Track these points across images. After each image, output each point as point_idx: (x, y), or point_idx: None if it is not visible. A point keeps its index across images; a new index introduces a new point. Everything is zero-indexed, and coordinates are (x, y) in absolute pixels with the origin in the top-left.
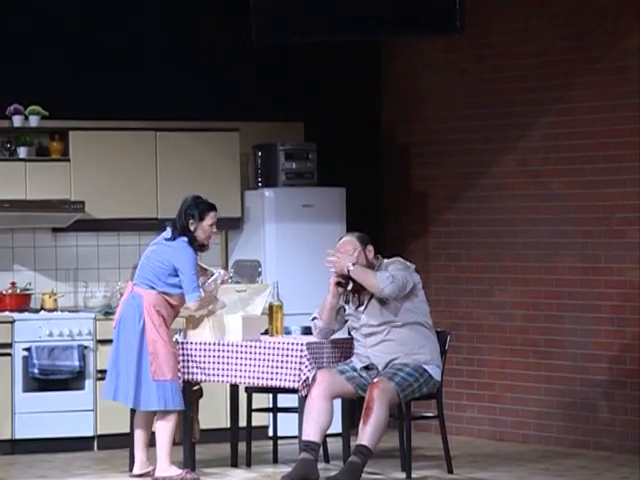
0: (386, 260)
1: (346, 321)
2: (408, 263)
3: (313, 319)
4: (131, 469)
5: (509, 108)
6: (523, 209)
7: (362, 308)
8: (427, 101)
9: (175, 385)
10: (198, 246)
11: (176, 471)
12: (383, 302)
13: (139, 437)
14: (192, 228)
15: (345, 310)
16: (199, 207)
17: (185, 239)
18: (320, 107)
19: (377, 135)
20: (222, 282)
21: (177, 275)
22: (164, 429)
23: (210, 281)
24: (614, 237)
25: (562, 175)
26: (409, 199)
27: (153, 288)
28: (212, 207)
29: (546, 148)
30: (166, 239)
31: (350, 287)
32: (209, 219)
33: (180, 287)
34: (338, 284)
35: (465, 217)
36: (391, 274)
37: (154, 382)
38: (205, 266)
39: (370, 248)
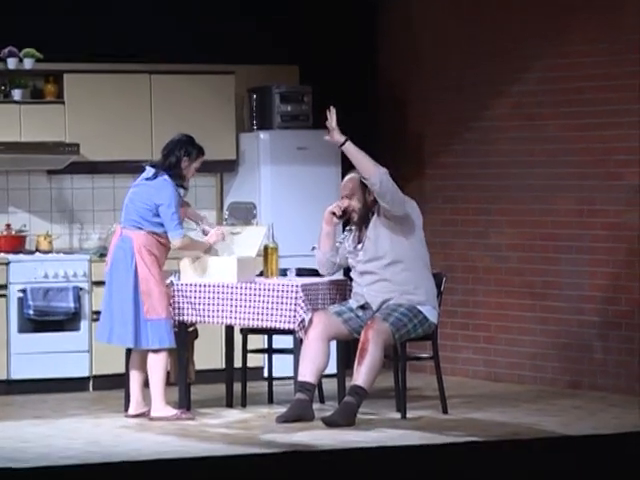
0: None
1: (347, 259)
2: (408, 198)
3: (313, 249)
4: (126, 409)
5: (505, 50)
6: (519, 152)
7: (360, 245)
8: (423, 44)
9: (168, 323)
10: (180, 185)
11: (171, 411)
12: (376, 238)
13: (135, 377)
14: (184, 165)
15: (345, 248)
16: (196, 147)
17: (167, 177)
18: (315, 49)
19: (373, 77)
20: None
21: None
22: (156, 369)
23: (205, 239)
24: (610, 179)
25: (558, 118)
26: (405, 142)
27: (141, 229)
28: (204, 151)
29: (542, 91)
30: (146, 179)
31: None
32: (198, 162)
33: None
34: (333, 213)
35: (461, 160)
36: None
37: (147, 321)
38: (199, 214)
39: (370, 191)
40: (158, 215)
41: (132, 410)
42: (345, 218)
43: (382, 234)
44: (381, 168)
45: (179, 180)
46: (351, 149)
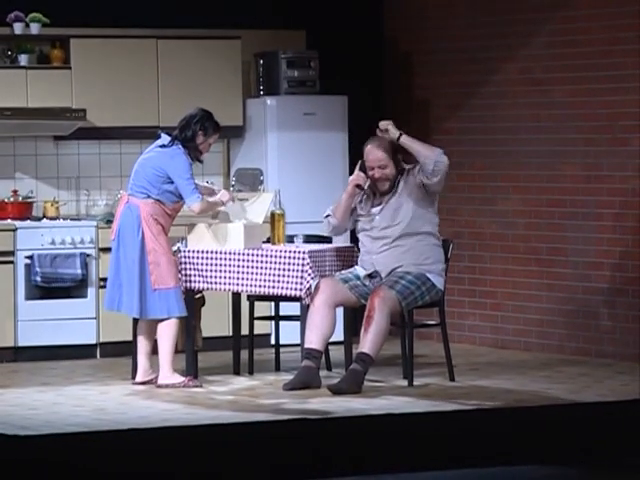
0: (407, 166)
1: (356, 221)
2: None
3: (327, 216)
4: (134, 377)
5: (512, 16)
6: (525, 117)
7: (377, 209)
8: (430, 9)
9: (178, 292)
10: (195, 158)
11: (178, 379)
12: (398, 206)
13: (142, 345)
14: (199, 140)
15: (357, 210)
16: (212, 123)
17: (180, 146)
18: (322, 14)
19: (379, 43)
20: (224, 203)
21: (171, 182)
22: (166, 336)
23: (216, 198)
24: (616, 145)
25: (564, 83)
26: (411, 107)
27: (149, 197)
28: (220, 128)
29: (549, 56)
30: (160, 146)
31: (366, 187)
32: (214, 138)
33: (174, 195)
34: (357, 186)
35: (467, 125)
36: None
37: (155, 291)
38: (210, 186)
39: (399, 155)
40: (167, 183)
41: (139, 377)
42: (367, 186)
43: (405, 203)
44: (436, 150)
45: (194, 154)
46: (406, 142)
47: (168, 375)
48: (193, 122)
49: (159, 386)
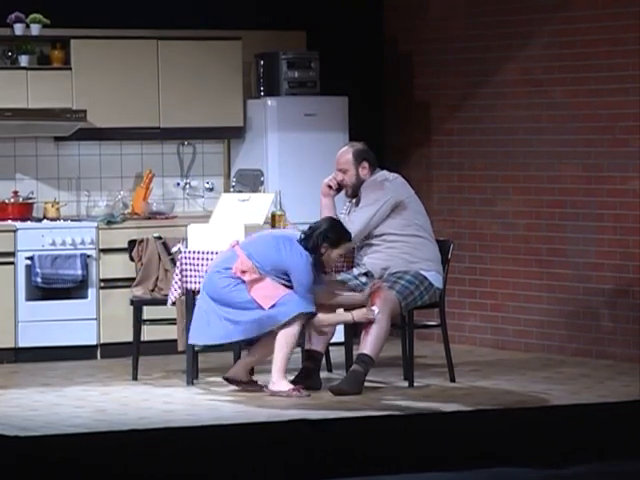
0: (380, 173)
1: None
2: (389, 182)
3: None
4: (135, 377)
5: (512, 16)
6: (525, 118)
7: None
8: (430, 9)
9: (290, 295)
10: (318, 266)
11: (285, 386)
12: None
13: (257, 352)
14: (322, 251)
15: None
16: (337, 234)
17: (309, 256)
18: (322, 15)
19: (379, 43)
20: None
21: (287, 275)
22: (282, 343)
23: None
24: (617, 146)
25: (565, 84)
26: (411, 108)
27: (257, 267)
28: (349, 238)
29: (549, 56)
30: (298, 241)
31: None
32: (342, 249)
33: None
34: (329, 186)
35: (467, 126)
36: (351, 221)
37: (272, 307)
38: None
39: (364, 165)
40: (284, 274)
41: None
42: (341, 190)
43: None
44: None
45: (316, 264)
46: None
47: (276, 381)
48: (315, 234)
49: (269, 390)
